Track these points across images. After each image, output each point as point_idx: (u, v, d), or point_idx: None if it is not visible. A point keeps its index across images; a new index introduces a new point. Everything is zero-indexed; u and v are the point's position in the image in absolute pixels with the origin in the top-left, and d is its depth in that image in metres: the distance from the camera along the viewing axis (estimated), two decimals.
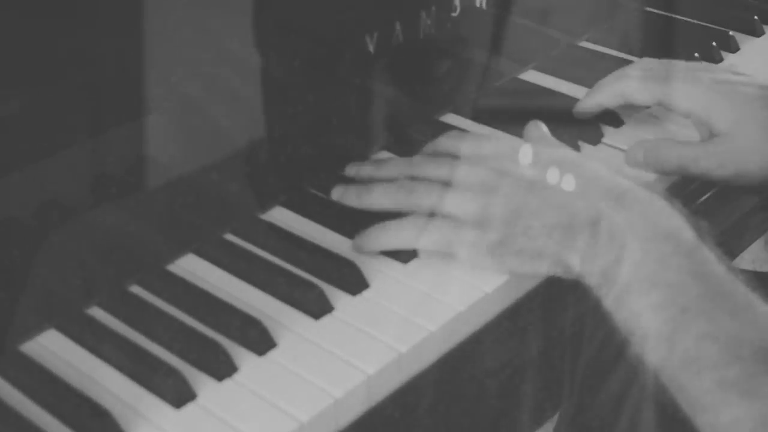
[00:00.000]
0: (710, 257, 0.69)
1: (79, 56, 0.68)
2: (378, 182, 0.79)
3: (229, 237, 0.78)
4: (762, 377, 0.63)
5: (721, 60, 1.02)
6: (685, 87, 0.87)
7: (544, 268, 0.73)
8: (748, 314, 0.66)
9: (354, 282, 0.73)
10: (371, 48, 0.83)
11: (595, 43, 1.05)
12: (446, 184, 0.76)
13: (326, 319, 0.71)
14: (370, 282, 0.73)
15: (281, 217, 0.80)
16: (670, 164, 0.85)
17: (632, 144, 0.86)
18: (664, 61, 0.90)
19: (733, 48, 1.04)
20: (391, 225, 0.75)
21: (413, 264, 0.75)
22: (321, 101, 0.82)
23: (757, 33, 1.06)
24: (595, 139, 0.89)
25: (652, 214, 0.71)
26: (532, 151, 0.77)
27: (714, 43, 1.02)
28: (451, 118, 0.92)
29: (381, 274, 0.74)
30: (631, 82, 0.89)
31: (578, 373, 0.83)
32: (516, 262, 0.73)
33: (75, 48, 0.68)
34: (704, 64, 0.91)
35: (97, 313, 0.71)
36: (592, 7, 1.04)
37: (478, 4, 0.92)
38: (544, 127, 0.83)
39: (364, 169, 0.82)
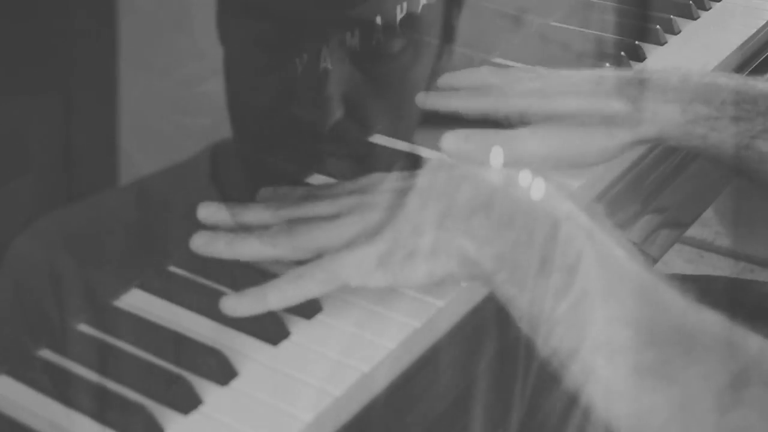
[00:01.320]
0: (608, 241, 0.67)
1: None
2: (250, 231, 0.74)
3: (83, 327, 0.71)
4: (678, 361, 0.63)
5: None
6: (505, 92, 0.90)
7: (439, 267, 0.69)
8: (655, 297, 0.65)
9: (222, 371, 0.67)
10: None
11: (505, 58, 1.07)
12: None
13: (195, 416, 0.65)
14: (238, 370, 0.68)
15: (137, 301, 0.74)
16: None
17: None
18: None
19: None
20: (277, 283, 0.71)
21: (284, 345, 0.70)
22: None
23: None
24: None
25: (545, 197, 0.69)
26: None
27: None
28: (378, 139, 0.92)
29: (249, 359, 0.69)
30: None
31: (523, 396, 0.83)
32: (409, 268, 0.69)
33: None
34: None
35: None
36: (500, 25, 1.06)
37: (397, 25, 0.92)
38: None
39: (220, 213, 0.76)
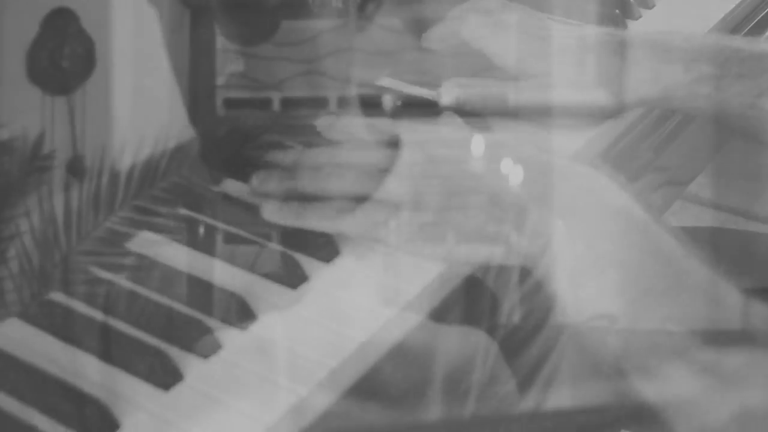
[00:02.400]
0: (663, 234, 0.66)
1: None
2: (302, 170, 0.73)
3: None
4: (734, 358, 0.61)
5: None
6: (499, 32, 0.88)
7: (481, 250, 0.69)
8: (709, 293, 0.64)
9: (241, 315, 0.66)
10: None
11: None
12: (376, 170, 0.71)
13: (215, 359, 0.63)
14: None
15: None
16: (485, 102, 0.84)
17: None
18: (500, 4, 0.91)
19: None
20: (316, 204, 0.71)
21: (303, 289, 0.68)
22: None
23: None
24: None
25: (598, 189, 0.68)
26: (462, 135, 0.74)
27: None
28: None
29: (267, 303, 0.67)
30: (469, 21, 0.89)
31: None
32: (451, 244, 0.69)
33: None
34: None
35: None
36: None
37: None
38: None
39: (288, 155, 0.76)
